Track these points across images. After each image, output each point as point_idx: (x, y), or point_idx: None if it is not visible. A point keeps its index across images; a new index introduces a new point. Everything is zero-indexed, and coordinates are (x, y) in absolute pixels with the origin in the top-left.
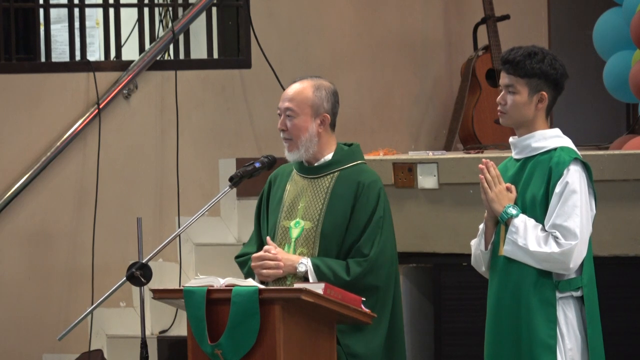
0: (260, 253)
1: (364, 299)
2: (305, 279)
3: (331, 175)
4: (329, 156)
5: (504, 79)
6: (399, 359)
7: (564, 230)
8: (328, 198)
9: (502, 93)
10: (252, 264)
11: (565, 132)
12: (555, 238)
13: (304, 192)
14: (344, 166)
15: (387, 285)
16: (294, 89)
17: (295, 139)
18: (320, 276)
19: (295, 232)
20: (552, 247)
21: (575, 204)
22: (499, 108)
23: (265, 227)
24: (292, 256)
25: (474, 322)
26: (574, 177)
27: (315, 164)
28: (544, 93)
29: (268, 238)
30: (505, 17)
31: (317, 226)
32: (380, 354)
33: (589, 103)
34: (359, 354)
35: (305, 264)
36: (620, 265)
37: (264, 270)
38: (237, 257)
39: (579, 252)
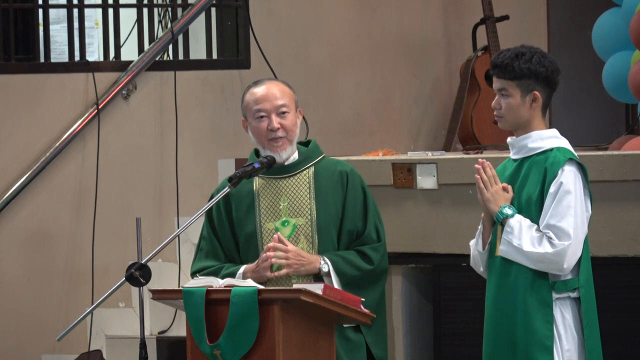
0: (277, 245)
1: (363, 299)
2: (316, 277)
3: (306, 170)
4: (296, 154)
5: (496, 83)
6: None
7: (558, 230)
8: (313, 192)
9: (496, 97)
10: (267, 254)
11: (564, 133)
12: (549, 238)
13: (282, 192)
14: (314, 161)
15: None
16: (274, 87)
17: (291, 136)
18: (341, 274)
19: (286, 231)
20: (545, 248)
21: (569, 204)
22: (495, 113)
23: (229, 238)
24: (310, 256)
25: (474, 322)
26: (569, 177)
27: (286, 163)
28: (537, 92)
29: (277, 236)
30: (505, 17)
31: (312, 220)
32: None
33: (588, 103)
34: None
35: (327, 264)
36: (619, 265)
37: (280, 261)
38: (197, 272)
39: (572, 252)
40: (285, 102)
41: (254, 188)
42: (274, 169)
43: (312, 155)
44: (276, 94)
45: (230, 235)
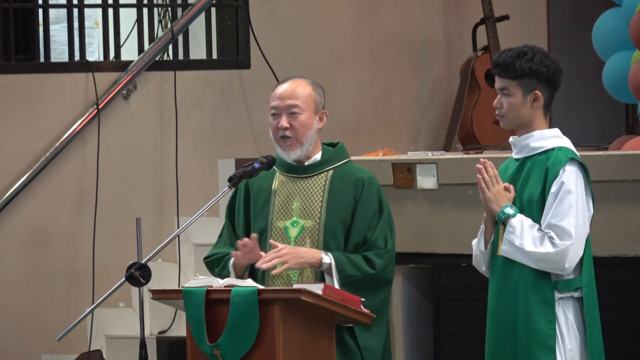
0: (275, 244)
1: (363, 299)
2: (320, 275)
3: (325, 173)
4: (318, 155)
5: (497, 82)
6: (390, 350)
7: (559, 230)
8: (327, 195)
9: (498, 97)
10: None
11: (564, 133)
12: (551, 238)
13: (297, 192)
14: (336, 164)
15: (393, 280)
16: (293, 86)
17: (300, 137)
18: (340, 269)
19: (293, 232)
20: (547, 247)
21: (570, 204)
22: (496, 112)
23: (244, 231)
24: (308, 249)
25: (474, 322)
26: (570, 177)
27: (306, 163)
28: (538, 92)
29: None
30: (505, 17)
31: (320, 223)
32: (382, 347)
33: (588, 103)
34: (371, 347)
35: (330, 258)
36: (619, 265)
37: (278, 260)
38: (207, 257)
39: (574, 252)
40: (298, 103)
41: (273, 185)
42: (294, 168)
43: (334, 158)
44: (291, 93)
45: (245, 228)
